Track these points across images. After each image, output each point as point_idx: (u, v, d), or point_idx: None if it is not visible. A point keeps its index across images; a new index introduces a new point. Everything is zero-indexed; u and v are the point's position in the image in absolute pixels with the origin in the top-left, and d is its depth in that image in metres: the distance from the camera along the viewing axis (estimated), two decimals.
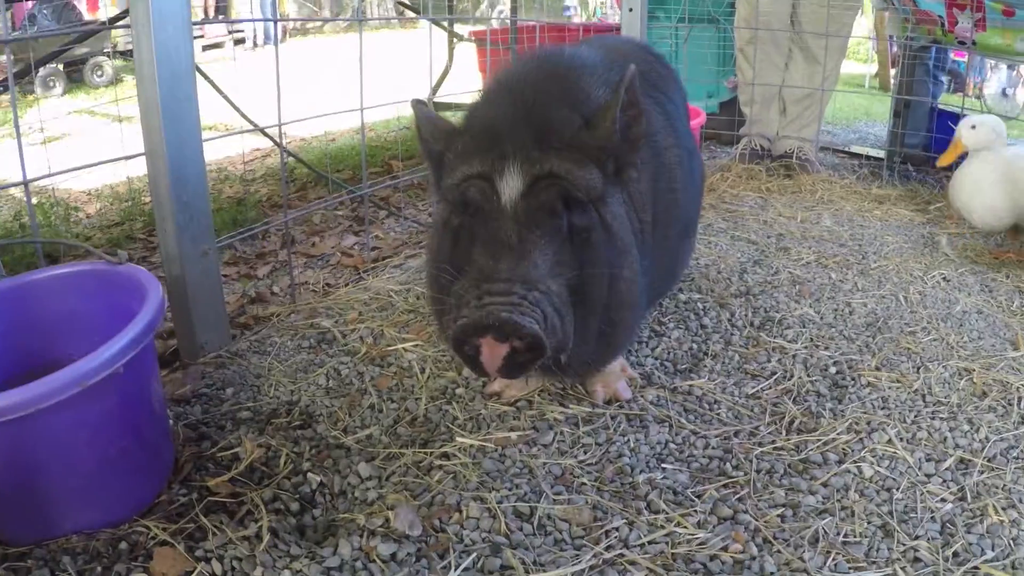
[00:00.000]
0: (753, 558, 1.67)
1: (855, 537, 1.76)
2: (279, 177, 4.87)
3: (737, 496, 1.87)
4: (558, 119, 1.76)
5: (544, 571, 1.67)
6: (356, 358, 2.59)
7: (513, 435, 2.14)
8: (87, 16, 11.91)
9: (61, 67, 10.69)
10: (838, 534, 1.76)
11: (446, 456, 2.08)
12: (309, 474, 2.03)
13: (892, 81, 7.04)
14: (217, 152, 5.70)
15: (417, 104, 1.99)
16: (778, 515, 1.81)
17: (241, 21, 13.87)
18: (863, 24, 9.47)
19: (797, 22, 5.00)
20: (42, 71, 10.32)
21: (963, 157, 3.50)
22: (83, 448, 1.80)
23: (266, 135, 3.62)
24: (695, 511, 1.83)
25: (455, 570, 1.71)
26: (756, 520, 1.79)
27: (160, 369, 2.30)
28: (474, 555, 1.74)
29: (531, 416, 2.21)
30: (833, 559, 1.68)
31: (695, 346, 2.62)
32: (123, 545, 1.81)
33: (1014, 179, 3.28)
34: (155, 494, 1.98)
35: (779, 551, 1.70)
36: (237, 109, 3.59)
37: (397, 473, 2.03)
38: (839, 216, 4.16)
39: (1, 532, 1.86)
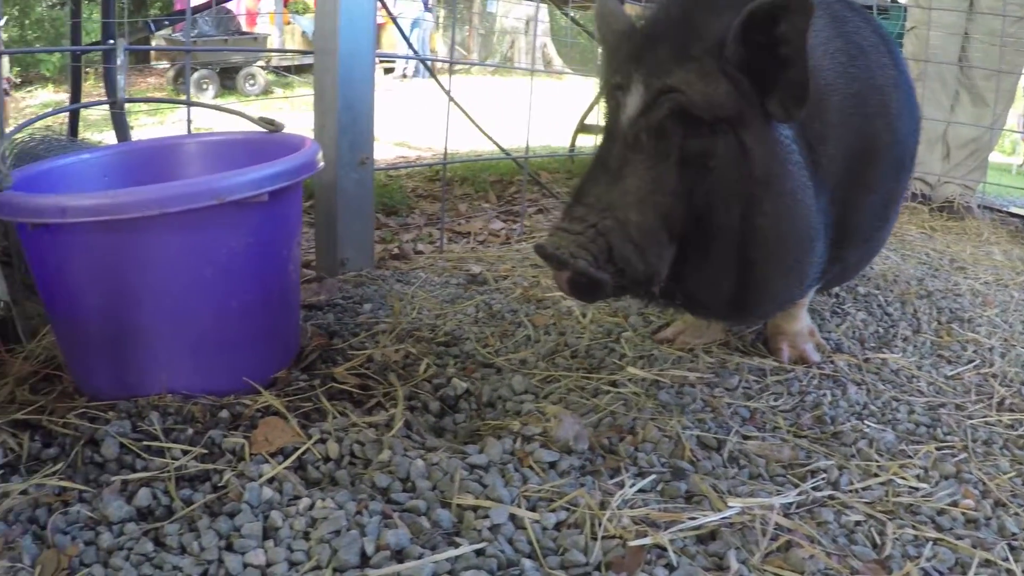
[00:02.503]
0: (988, 518, 1.43)
1: None
2: (424, 175, 4.79)
3: (955, 459, 1.63)
4: (702, 25, 1.53)
5: (739, 499, 1.37)
6: (510, 297, 2.29)
7: (691, 375, 1.86)
8: (244, 28, 12.39)
9: (216, 71, 11.08)
10: None
11: (614, 384, 1.77)
12: (455, 380, 1.72)
13: None
14: None
15: None
16: (1009, 479, 1.56)
17: (430, 59, 14.21)
18: None
19: (966, 60, 4.67)
20: (196, 74, 10.72)
21: None
22: (202, 288, 1.53)
23: (507, 154, 3.46)
24: (913, 464, 1.59)
25: (629, 488, 1.37)
26: (987, 482, 1.54)
27: None
28: (652, 477, 1.43)
29: (710, 363, 1.95)
30: None
31: (881, 329, 2.33)
32: (224, 413, 1.55)
33: None
34: (271, 374, 1.69)
35: (1017, 514, 1.45)
36: (477, 126, 3.41)
37: (557, 392, 1.71)
38: (1009, 254, 3.72)
39: (84, 384, 1.59)
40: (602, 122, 4.32)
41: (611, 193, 1.49)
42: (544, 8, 12.87)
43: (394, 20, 3.47)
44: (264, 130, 1.95)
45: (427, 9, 14.74)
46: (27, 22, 12.07)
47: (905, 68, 2.05)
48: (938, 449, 1.65)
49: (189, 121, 2.25)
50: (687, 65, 1.48)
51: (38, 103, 10.21)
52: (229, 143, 2.02)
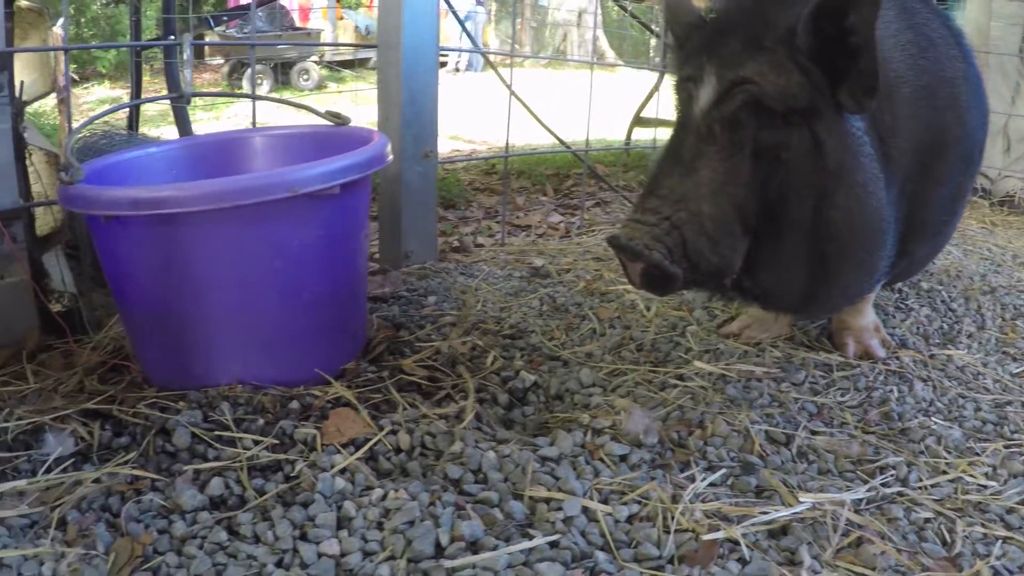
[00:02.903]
0: None
1: None
2: (480, 168, 4.82)
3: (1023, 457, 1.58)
4: (774, 16, 1.51)
5: (810, 494, 1.37)
6: (573, 290, 2.28)
7: (758, 370, 1.84)
8: (298, 23, 12.48)
9: (270, 67, 11.18)
10: None
11: (681, 378, 1.76)
12: (523, 372, 1.72)
13: None
14: None
15: None
16: None
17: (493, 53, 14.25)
18: None
19: None
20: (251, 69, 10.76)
21: None
22: (273, 280, 1.55)
23: (567, 148, 3.48)
24: (981, 462, 1.56)
25: (700, 482, 1.36)
26: None
27: None
28: (723, 471, 1.43)
29: (776, 358, 1.94)
30: None
31: (945, 325, 2.29)
32: (294, 404, 1.57)
33: None
34: (340, 365, 1.71)
35: None
36: (539, 120, 3.40)
37: (625, 386, 1.71)
38: None
39: (153, 374, 1.62)
40: (658, 115, 4.29)
41: (684, 185, 1.47)
42: (596, 0, 12.80)
43: (456, 16, 3.47)
44: (331, 123, 1.96)
45: (479, 3, 14.76)
46: (83, 20, 12.27)
47: (974, 61, 2.01)
48: (1006, 447, 1.62)
49: (254, 115, 2.28)
50: (760, 56, 1.47)
51: (95, 99, 10.38)
52: (296, 136, 2.04)
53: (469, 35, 3.98)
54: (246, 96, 2.24)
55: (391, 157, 1.75)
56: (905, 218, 1.72)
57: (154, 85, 8.39)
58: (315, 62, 11.79)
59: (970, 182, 2.07)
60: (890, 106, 1.63)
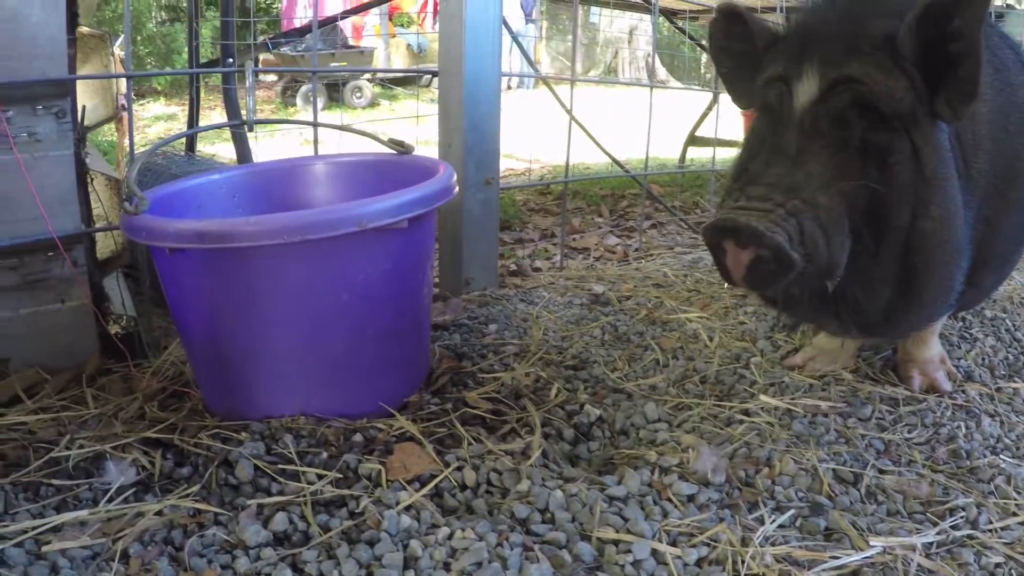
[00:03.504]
0: None
1: None
2: (535, 188, 4.85)
3: None
4: (871, 21, 1.51)
5: (880, 538, 1.34)
6: (635, 319, 2.26)
7: (823, 404, 1.80)
8: (351, 41, 12.59)
9: (322, 84, 11.25)
10: None
11: (746, 413, 1.73)
12: (587, 406, 1.71)
13: None
14: None
15: (727, 4, 1.72)
16: None
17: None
18: None
19: None
20: (305, 87, 10.92)
21: None
22: (339, 313, 1.55)
23: (626, 171, 3.49)
24: None
25: (769, 524, 1.34)
26: None
27: None
28: (791, 512, 1.40)
29: (841, 391, 1.90)
30: None
31: (1011, 356, 2.23)
32: (357, 437, 1.56)
33: None
34: (403, 397, 1.70)
35: None
36: (598, 144, 3.41)
37: (690, 421, 1.69)
38: None
39: (215, 403, 1.63)
40: (716, 134, 4.25)
41: (794, 176, 1.42)
42: (648, 18, 12.78)
43: (515, 40, 3.48)
44: (394, 151, 1.97)
45: (530, 21, 14.79)
46: (139, 38, 12.49)
47: None
48: None
49: (316, 141, 2.29)
50: (864, 58, 1.46)
51: (150, 115, 10.54)
52: (359, 164, 2.05)
53: (525, 54, 3.99)
54: (308, 124, 2.25)
55: (457, 189, 1.76)
56: (977, 244, 1.68)
57: (208, 101, 8.50)
58: (368, 80, 11.89)
59: None
60: (972, 124, 1.61)
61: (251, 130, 2.45)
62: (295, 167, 2.08)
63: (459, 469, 1.46)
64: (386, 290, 1.61)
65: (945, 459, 1.65)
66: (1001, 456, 1.66)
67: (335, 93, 11.52)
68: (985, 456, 1.66)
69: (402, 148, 1.96)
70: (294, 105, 11.24)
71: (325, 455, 1.50)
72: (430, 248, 1.76)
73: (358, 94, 11.59)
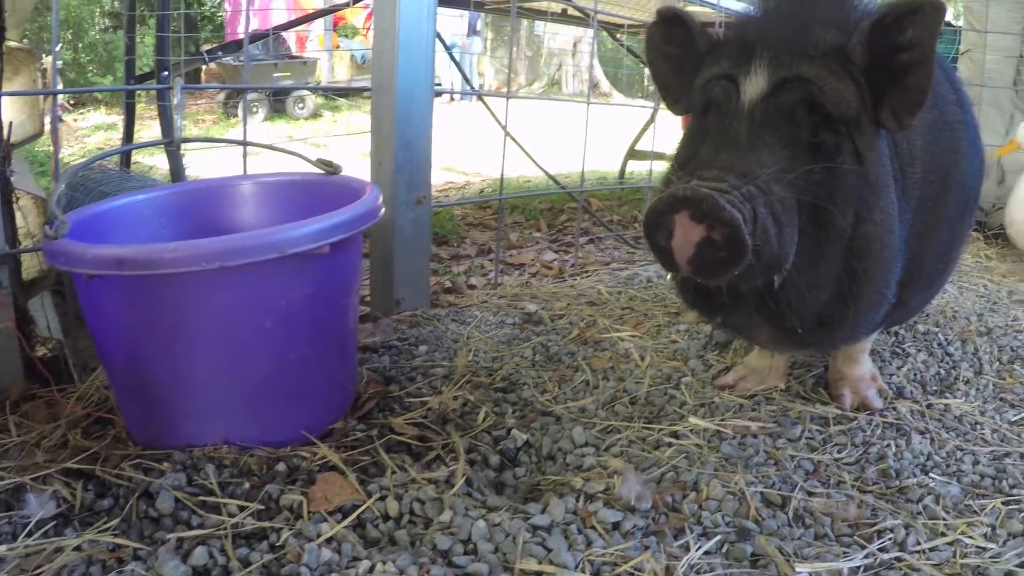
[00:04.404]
0: None
1: None
2: (475, 203, 4.80)
3: (1022, 514, 1.56)
4: (818, 28, 1.52)
5: (806, 563, 1.33)
6: (566, 339, 2.25)
7: (753, 425, 1.80)
8: (294, 52, 12.50)
9: (266, 95, 11.15)
10: None
11: (675, 436, 1.73)
12: (514, 431, 1.69)
13: None
14: None
15: (668, 9, 1.72)
16: None
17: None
18: None
19: (1022, 83, 4.57)
20: (249, 96, 10.78)
21: None
22: (261, 339, 1.52)
23: (562, 188, 3.44)
24: (980, 522, 1.53)
25: (695, 551, 1.33)
26: None
27: None
28: (718, 538, 1.39)
29: (771, 411, 1.90)
30: None
31: (943, 371, 2.25)
32: (280, 466, 1.53)
33: None
34: (328, 424, 1.68)
35: None
36: (533, 160, 3.39)
37: (618, 445, 1.68)
38: None
39: (138, 431, 1.59)
40: (653, 148, 4.27)
41: (747, 161, 1.37)
42: (591, 31, 12.88)
43: (451, 56, 3.46)
44: (322, 171, 1.94)
45: (474, 33, 14.81)
46: (80, 45, 12.26)
47: (971, 108, 2.01)
48: (1004, 504, 1.59)
49: (244, 163, 2.25)
50: (815, 61, 1.46)
51: (90, 125, 10.36)
52: (285, 184, 2.02)
53: (462, 71, 3.98)
54: (237, 143, 2.21)
55: (383, 211, 1.73)
56: (908, 259, 1.69)
57: (150, 111, 8.36)
58: (310, 90, 11.79)
59: (966, 230, 2.05)
60: (908, 135, 1.64)
61: (178, 148, 2.41)
62: (222, 187, 2.04)
63: (382, 499, 1.44)
64: (309, 315, 1.58)
65: (875, 479, 1.66)
66: (931, 475, 1.68)
67: (278, 104, 11.42)
68: (915, 475, 1.67)
69: (330, 168, 1.94)
70: (236, 116, 11.10)
71: (247, 485, 1.46)
72: (356, 271, 1.73)
73: (300, 105, 11.50)
